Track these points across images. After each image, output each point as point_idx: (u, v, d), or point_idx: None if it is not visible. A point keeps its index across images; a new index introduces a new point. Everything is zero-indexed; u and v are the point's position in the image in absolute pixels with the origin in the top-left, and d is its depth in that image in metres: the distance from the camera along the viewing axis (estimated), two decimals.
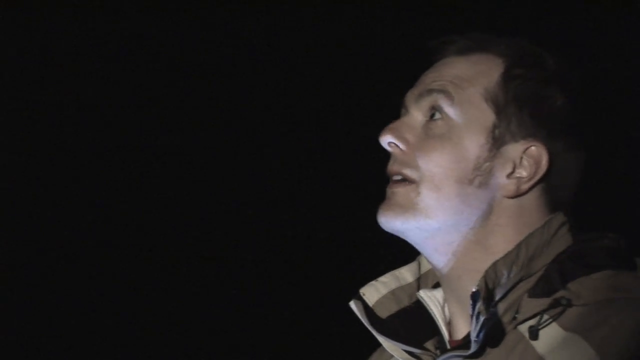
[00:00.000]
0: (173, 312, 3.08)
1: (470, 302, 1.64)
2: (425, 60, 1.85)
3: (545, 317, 1.64)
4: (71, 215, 3.07)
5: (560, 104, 1.75)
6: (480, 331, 1.64)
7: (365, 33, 2.95)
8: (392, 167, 1.77)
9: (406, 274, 1.86)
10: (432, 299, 1.82)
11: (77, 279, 3.07)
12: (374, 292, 1.83)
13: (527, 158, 1.73)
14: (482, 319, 1.63)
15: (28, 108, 3.03)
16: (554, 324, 1.64)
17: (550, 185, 1.76)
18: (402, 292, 1.85)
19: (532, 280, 1.70)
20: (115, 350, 3.07)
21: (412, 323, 1.82)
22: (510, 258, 1.69)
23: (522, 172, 1.74)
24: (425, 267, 1.87)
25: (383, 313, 1.82)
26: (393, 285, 1.84)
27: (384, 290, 1.83)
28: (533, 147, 1.73)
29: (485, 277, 1.66)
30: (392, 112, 1.85)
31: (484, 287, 1.65)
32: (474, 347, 1.67)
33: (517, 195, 1.74)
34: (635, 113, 2.67)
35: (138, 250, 3.07)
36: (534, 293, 1.68)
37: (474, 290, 1.64)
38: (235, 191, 3.07)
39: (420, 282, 1.87)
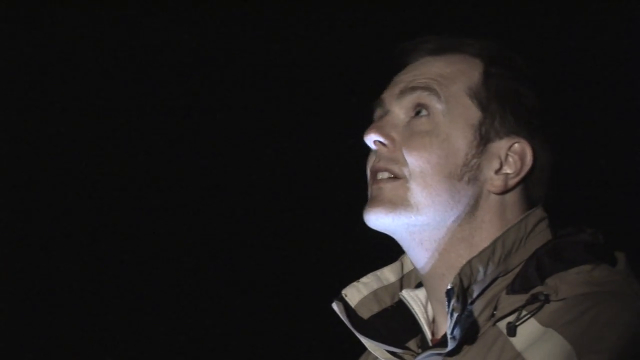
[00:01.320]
0: (172, 312, 3.10)
1: (446, 299, 1.65)
2: (392, 63, 1.87)
3: (524, 313, 1.64)
4: (71, 216, 3.09)
5: (534, 102, 1.78)
6: (454, 328, 1.65)
7: (335, 35, 2.96)
8: (378, 164, 1.78)
9: (388, 274, 1.88)
10: (414, 299, 1.83)
11: (77, 279, 3.09)
12: (355, 293, 1.84)
13: (512, 154, 1.76)
14: (455, 316, 1.64)
15: (28, 108, 3.05)
16: (532, 320, 1.64)
17: (530, 182, 1.78)
18: (384, 292, 1.86)
19: (510, 277, 1.71)
20: (115, 350, 3.08)
21: (395, 323, 1.83)
22: (486, 254, 1.70)
23: (509, 169, 1.76)
24: (408, 267, 1.88)
25: (365, 313, 1.83)
26: (375, 285, 1.85)
27: (365, 291, 1.84)
28: (517, 144, 1.76)
29: (460, 274, 1.67)
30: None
31: (458, 284, 1.65)
32: (450, 345, 1.67)
33: (504, 191, 1.76)
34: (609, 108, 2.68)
35: (135, 250, 3.09)
36: (512, 289, 1.69)
37: (448, 287, 1.65)
38: (223, 192, 3.08)
39: (403, 282, 1.88)
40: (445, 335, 1.71)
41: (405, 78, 1.81)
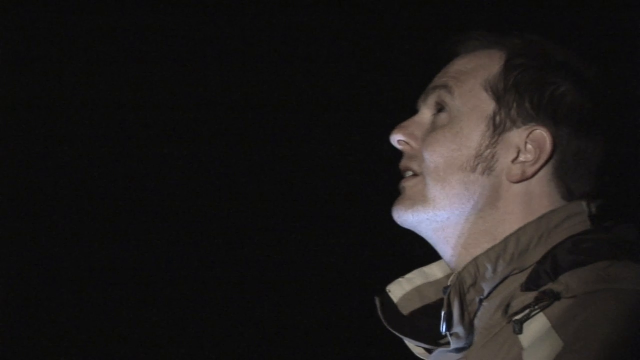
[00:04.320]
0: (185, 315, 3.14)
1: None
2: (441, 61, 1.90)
3: (535, 310, 1.62)
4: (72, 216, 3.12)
5: (564, 90, 1.75)
6: (446, 326, 1.67)
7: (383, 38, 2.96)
8: (402, 162, 1.82)
9: (436, 270, 1.88)
10: None
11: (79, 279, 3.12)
12: (398, 288, 1.86)
13: (531, 142, 1.74)
14: (442, 314, 1.67)
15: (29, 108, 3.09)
16: (542, 318, 1.62)
17: (561, 172, 1.75)
18: (429, 288, 1.86)
19: (526, 273, 1.68)
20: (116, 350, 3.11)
21: (436, 318, 1.79)
22: (494, 251, 1.69)
23: (527, 156, 1.74)
24: None
25: (407, 309, 1.84)
26: (418, 281, 1.87)
27: (407, 287, 1.86)
28: (536, 131, 1.74)
29: (460, 273, 1.68)
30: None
31: (455, 282, 1.67)
32: (454, 344, 1.69)
33: (523, 179, 1.74)
34: None
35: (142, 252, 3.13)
36: (526, 287, 1.66)
37: (448, 284, 1.67)
38: (262, 193, 3.11)
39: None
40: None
41: (434, 79, 1.85)
